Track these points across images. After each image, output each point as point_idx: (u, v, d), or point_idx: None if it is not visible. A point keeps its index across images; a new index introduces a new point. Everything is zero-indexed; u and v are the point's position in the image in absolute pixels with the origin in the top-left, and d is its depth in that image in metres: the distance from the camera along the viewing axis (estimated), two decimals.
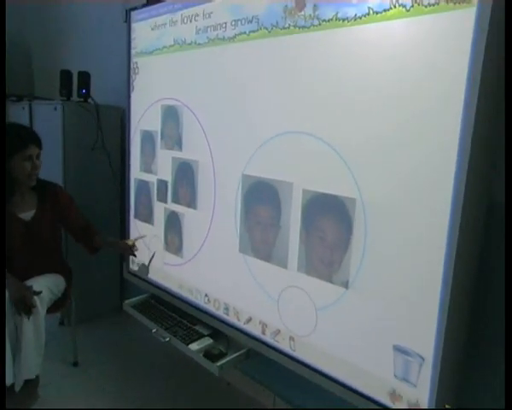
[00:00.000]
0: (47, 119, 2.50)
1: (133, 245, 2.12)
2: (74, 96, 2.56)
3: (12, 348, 1.86)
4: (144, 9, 2.01)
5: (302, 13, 1.35)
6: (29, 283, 1.90)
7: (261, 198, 1.54)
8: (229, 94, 1.63)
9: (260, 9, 1.46)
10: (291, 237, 1.45)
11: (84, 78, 2.52)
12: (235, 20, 1.56)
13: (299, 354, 1.48)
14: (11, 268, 1.93)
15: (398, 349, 1.22)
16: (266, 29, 1.46)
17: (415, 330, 1.17)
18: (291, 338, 1.50)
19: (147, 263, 2.15)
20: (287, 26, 1.40)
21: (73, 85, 2.56)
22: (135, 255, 2.14)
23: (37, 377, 1.95)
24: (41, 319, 1.89)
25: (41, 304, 1.88)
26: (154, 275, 2.12)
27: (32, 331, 1.87)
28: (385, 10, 1.17)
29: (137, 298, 2.17)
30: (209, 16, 1.66)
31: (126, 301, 2.14)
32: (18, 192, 1.99)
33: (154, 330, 1.89)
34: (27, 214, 2.00)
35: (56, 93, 2.63)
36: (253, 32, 1.50)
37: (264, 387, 2.04)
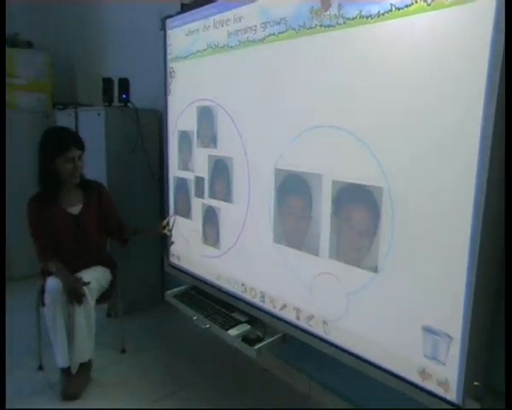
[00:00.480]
0: (91, 124, 2.68)
1: (165, 227, 2.29)
2: (115, 102, 2.72)
3: (67, 334, 2.04)
4: (178, 17, 2.13)
5: (327, 12, 1.42)
6: (79, 275, 2.08)
7: (293, 190, 1.63)
8: (260, 93, 1.72)
9: (288, 11, 1.54)
10: (322, 226, 1.53)
11: (124, 84, 2.68)
12: (264, 23, 1.65)
13: (332, 337, 1.55)
14: (62, 260, 2.11)
15: (426, 329, 1.27)
16: (294, 30, 1.54)
17: (442, 310, 1.22)
18: (324, 322, 1.57)
19: (186, 255, 2.28)
20: (313, 25, 1.47)
21: (114, 92, 2.73)
22: (169, 235, 2.32)
23: (89, 361, 2.13)
24: (91, 308, 2.07)
25: (90, 294, 2.05)
26: (193, 267, 2.24)
27: (84, 318, 2.04)
28: (406, 6, 1.23)
29: (178, 289, 2.30)
30: (240, 20, 1.76)
31: (168, 292, 2.28)
32: (64, 189, 2.18)
33: (194, 318, 2.01)
34: (75, 209, 2.19)
35: (98, 100, 2.82)
36: (282, 33, 1.58)
37: (299, 372, 2.13)
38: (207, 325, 1.94)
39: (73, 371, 2.06)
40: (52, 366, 2.13)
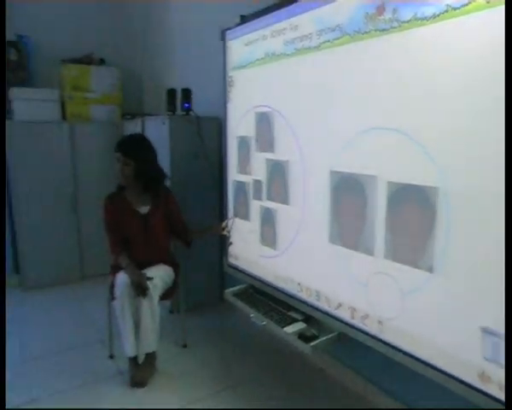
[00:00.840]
0: (156, 132, 2.87)
1: (224, 227, 2.42)
2: (178, 111, 2.90)
3: (134, 326, 2.21)
4: (238, 28, 2.24)
5: (382, 17, 1.46)
6: (145, 271, 2.25)
7: (348, 192, 1.66)
8: (315, 97, 1.78)
9: (343, 18, 1.59)
10: (377, 227, 1.55)
11: (187, 94, 2.85)
12: (319, 30, 1.71)
13: (387, 336, 1.56)
14: (130, 256, 2.31)
15: (484, 331, 1.25)
16: (349, 35, 1.58)
17: (501, 311, 1.20)
18: (379, 322, 1.59)
19: (244, 255, 2.38)
20: (368, 30, 1.51)
21: (177, 101, 2.91)
22: (228, 236, 2.44)
23: (154, 352, 2.28)
24: (155, 302, 2.22)
25: (154, 289, 2.21)
26: (251, 267, 2.33)
27: (149, 312, 2.19)
28: (463, 5, 1.23)
29: (236, 288, 2.40)
30: (296, 29, 1.83)
31: (227, 291, 2.39)
32: (130, 189, 2.37)
33: (252, 315, 2.10)
34: (144, 208, 2.37)
35: (163, 109, 3.01)
36: (337, 39, 1.63)
37: (354, 371, 2.14)
38: (264, 323, 2.01)
39: (140, 360, 2.22)
40: (122, 355, 2.31)
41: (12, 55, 3.42)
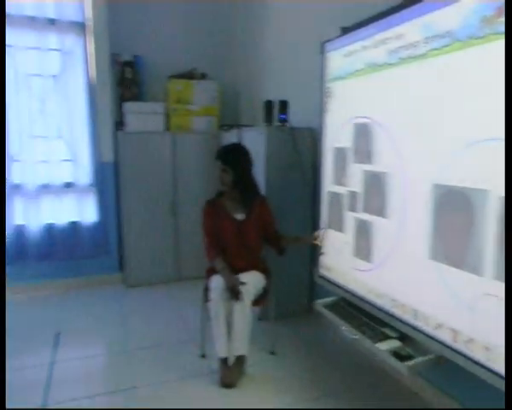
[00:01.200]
0: (253, 142, 2.97)
1: (317, 238, 2.43)
2: (274, 122, 2.98)
3: (227, 328, 2.29)
4: (337, 40, 2.25)
5: (501, 19, 1.36)
6: (238, 275, 2.34)
7: (453, 206, 1.57)
8: (420, 108, 1.72)
9: (454, 24, 1.52)
10: (487, 245, 1.44)
11: (283, 105, 2.91)
12: (427, 38, 1.65)
13: (496, 365, 1.43)
14: (225, 260, 2.40)
15: None
16: (460, 41, 1.51)
17: None
18: (486, 348, 1.47)
19: (336, 267, 2.35)
20: (483, 35, 1.43)
21: (274, 112, 2.98)
22: (320, 246, 2.43)
23: (244, 355, 2.34)
24: (247, 307, 2.28)
25: (247, 294, 2.27)
26: (343, 279, 2.30)
27: (241, 315, 2.26)
28: None
29: (328, 299, 2.37)
30: (400, 38, 1.79)
31: (318, 301, 2.37)
32: (226, 196, 2.48)
33: (343, 328, 2.06)
34: (240, 215, 2.47)
35: (258, 120, 3.11)
36: (446, 46, 1.57)
37: (452, 398, 1.99)
38: (356, 336, 1.96)
39: (230, 362, 2.30)
40: (213, 356, 2.41)
41: (128, 73, 3.79)
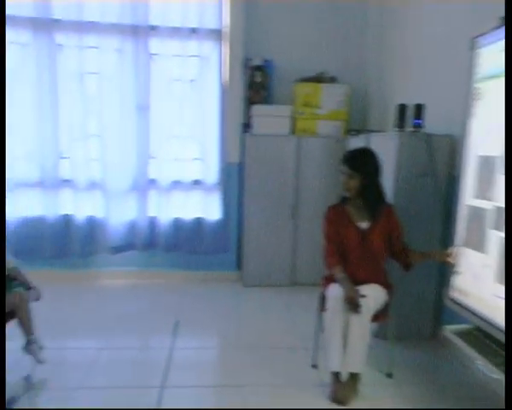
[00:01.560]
0: (382, 148, 2.78)
1: (450, 255, 2.16)
2: (407, 127, 2.76)
3: (342, 341, 2.17)
4: (494, 33, 1.98)
5: None
6: (358, 288, 2.20)
7: None
8: None
9: None
10: None
11: (419, 109, 2.69)
12: None
13: None
14: (345, 270, 2.28)
15: None
16: None
17: None
18: None
19: (473, 291, 2.07)
20: None
21: (407, 117, 2.77)
22: (453, 266, 2.16)
23: (359, 373, 2.20)
24: (366, 321, 2.14)
25: (366, 308, 2.13)
26: (480, 306, 2.00)
27: (359, 330, 2.13)
28: None
29: (459, 326, 2.10)
30: None
31: (447, 327, 2.12)
32: (351, 202, 2.35)
33: (478, 362, 1.79)
34: (364, 224, 2.33)
35: (388, 125, 2.92)
36: None
37: None
38: (497, 377, 1.68)
39: (343, 378, 2.17)
40: (324, 367, 2.30)
41: (257, 77, 3.89)
